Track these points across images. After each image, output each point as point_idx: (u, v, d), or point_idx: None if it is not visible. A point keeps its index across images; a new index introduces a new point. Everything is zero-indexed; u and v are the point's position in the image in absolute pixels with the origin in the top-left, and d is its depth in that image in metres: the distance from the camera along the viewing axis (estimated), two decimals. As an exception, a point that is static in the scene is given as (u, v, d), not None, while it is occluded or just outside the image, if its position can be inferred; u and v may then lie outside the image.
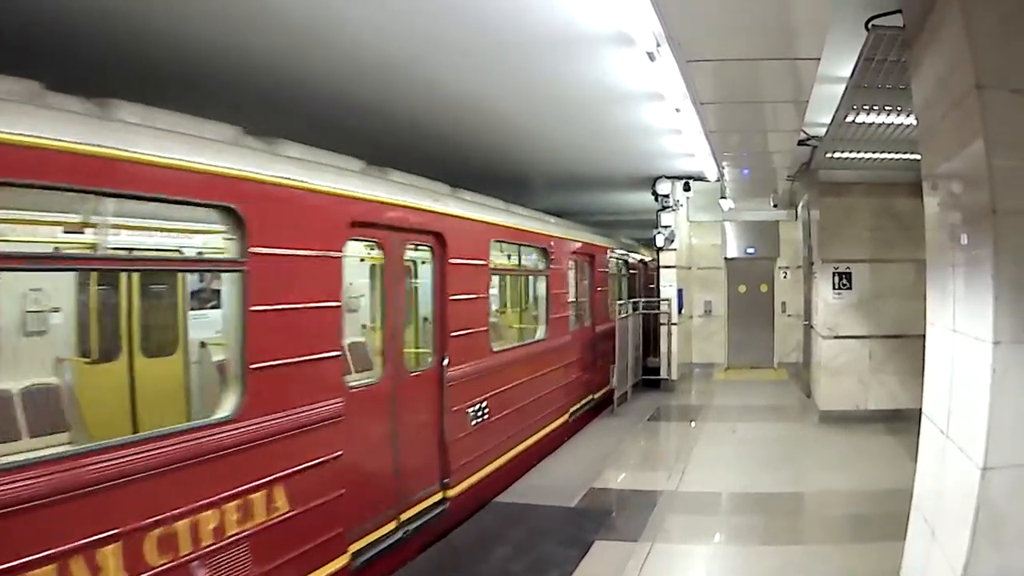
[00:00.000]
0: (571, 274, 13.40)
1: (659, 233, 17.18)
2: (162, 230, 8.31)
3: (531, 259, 12.62)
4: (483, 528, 8.27)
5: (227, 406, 5.38)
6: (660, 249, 17.45)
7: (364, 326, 10.84)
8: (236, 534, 5.22)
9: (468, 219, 9.24)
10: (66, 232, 7.29)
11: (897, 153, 10.06)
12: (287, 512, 5.69)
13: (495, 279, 12.96)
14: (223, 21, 6.50)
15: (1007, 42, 3.95)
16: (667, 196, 16.82)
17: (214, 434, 5.12)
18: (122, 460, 4.42)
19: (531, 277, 13.88)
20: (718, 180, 15.89)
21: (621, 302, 16.11)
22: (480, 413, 9.17)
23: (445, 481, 8.35)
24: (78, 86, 4.38)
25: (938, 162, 4.86)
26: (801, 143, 11.09)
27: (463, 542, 7.89)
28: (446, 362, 8.41)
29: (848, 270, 12.98)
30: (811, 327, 15.23)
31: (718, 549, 7.70)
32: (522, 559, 7.27)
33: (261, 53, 7.38)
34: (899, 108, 7.73)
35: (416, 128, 10.69)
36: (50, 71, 4.51)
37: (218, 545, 5.06)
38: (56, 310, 7.71)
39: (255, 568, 5.36)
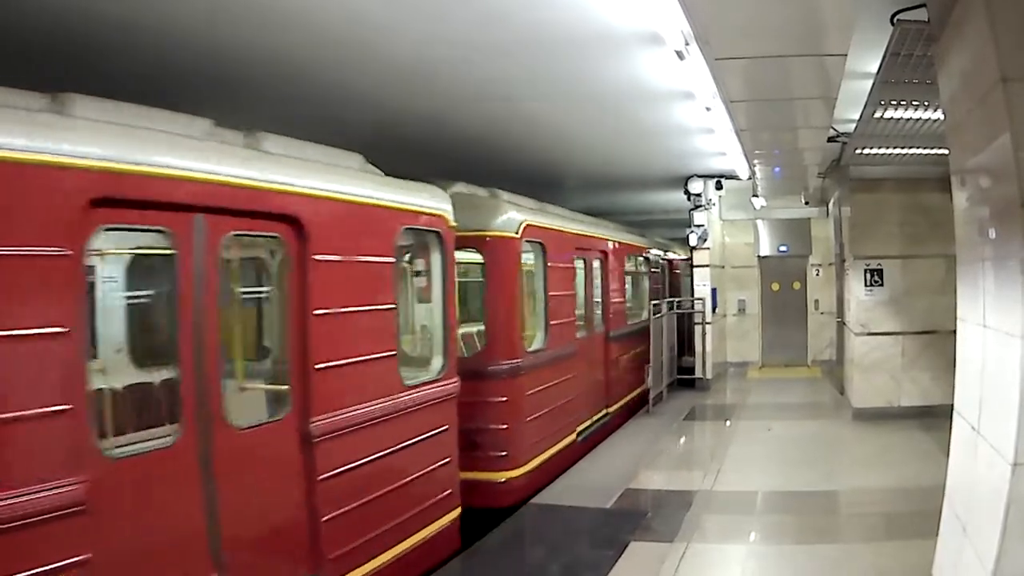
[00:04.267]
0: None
1: (692, 232, 17.20)
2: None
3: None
4: (518, 529, 8.32)
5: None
6: (693, 248, 17.47)
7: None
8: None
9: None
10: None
11: (926, 148, 9.99)
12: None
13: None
14: (247, 24, 6.61)
15: (1032, 35, 3.93)
16: (699, 195, 16.90)
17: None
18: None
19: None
20: (750, 178, 15.82)
21: (655, 302, 16.12)
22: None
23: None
24: (100, 93, 4.47)
25: (966, 156, 4.84)
26: (831, 140, 11.02)
27: (498, 543, 7.94)
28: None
29: (880, 266, 12.87)
30: (844, 324, 15.14)
31: (753, 548, 7.67)
32: (558, 560, 7.33)
33: (289, 56, 7.48)
34: (926, 103, 7.68)
35: (449, 130, 10.80)
36: (71, 79, 4.59)
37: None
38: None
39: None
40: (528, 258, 10.36)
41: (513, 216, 9.60)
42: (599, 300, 13.84)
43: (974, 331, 4.71)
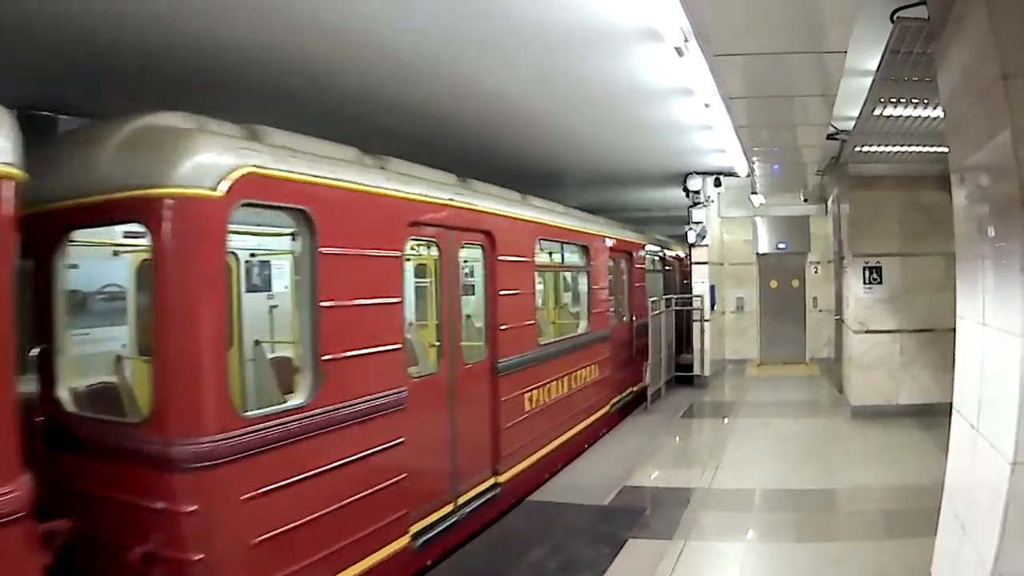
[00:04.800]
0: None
1: (691, 229, 17.21)
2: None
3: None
4: (516, 527, 8.30)
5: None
6: (692, 245, 17.48)
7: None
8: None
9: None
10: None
11: (926, 146, 9.95)
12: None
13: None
14: (250, 22, 6.58)
15: (1033, 32, 3.91)
16: (698, 192, 16.89)
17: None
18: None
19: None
20: (749, 175, 15.83)
21: (653, 298, 16.06)
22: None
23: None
24: (105, 93, 4.45)
25: (966, 154, 4.82)
26: (830, 137, 11.02)
27: (495, 541, 7.93)
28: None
29: (878, 264, 12.87)
30: (842, 322, 15.14)
31: (751, 546, 7.67)
32: (555, 558, 7.29)
33: (292, 53, 7.45)
34: (926, 100, 7.66)
35: (448, 126, 10.77)
36: (75, 76, 4.56)
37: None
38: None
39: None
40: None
41: (213, 160, 5.07)
42: (476, 312, 9.53)
43: (973, 329, 4.70)
